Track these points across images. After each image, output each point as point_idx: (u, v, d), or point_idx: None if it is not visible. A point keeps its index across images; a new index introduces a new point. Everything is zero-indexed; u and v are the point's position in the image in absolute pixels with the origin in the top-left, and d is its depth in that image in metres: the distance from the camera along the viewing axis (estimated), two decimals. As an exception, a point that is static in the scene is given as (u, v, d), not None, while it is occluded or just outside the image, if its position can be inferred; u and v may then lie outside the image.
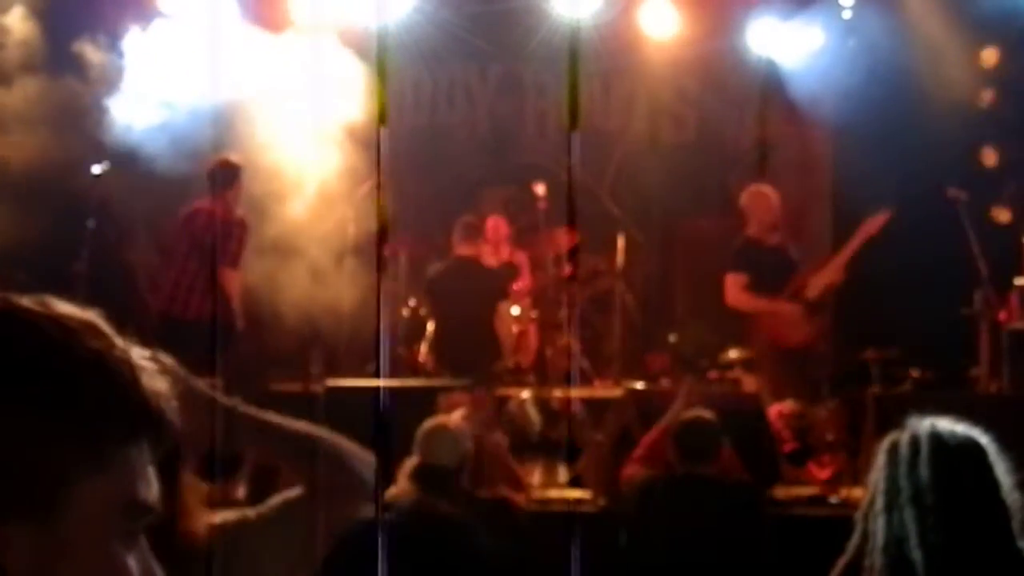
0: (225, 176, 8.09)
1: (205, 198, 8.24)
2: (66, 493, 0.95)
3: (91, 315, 1.00)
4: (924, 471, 2.42)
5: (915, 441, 2.46)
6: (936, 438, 2.47)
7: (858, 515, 2.53)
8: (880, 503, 2.44)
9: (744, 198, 8.96)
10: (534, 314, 9.62)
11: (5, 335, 0.96)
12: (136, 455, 0.99)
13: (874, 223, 8.58)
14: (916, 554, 2.38)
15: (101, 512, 0.96)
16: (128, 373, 0.98)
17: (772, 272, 8.61)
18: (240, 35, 8.73)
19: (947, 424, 2.51)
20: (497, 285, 9.34)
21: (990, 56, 9.76)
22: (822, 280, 8.72)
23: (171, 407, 1.01)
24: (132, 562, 0.98)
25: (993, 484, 2.44)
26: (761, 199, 8.91)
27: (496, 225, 9.97)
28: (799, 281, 8.64)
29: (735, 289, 8.63)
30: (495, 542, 4.75)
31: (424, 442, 4.88)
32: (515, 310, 9.54)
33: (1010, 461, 2.52)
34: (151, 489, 1.00)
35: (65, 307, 0.99)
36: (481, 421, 5.77)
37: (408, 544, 4.29)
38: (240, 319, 8.08)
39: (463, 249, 9.27)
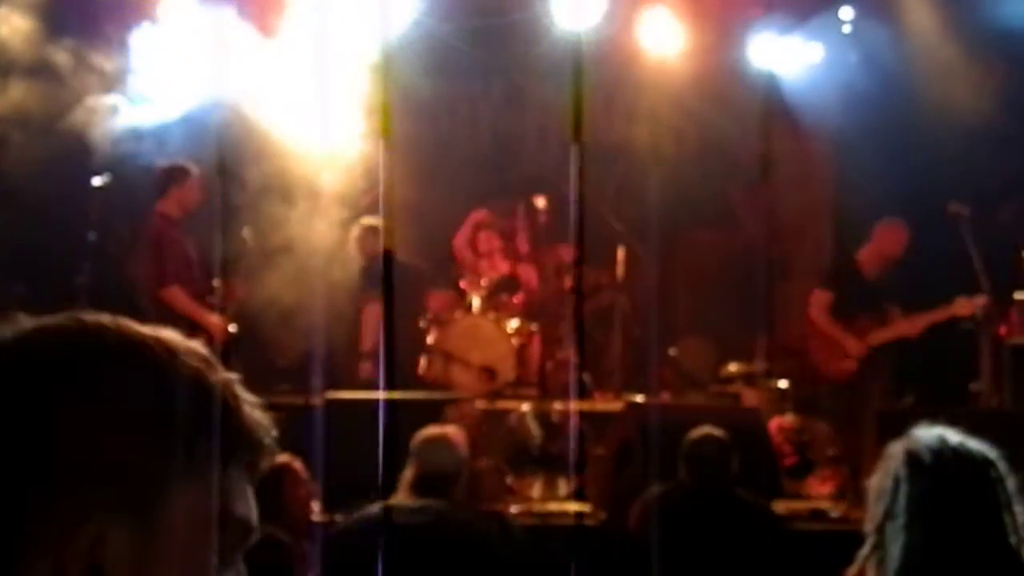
0: (156, 186, 7.98)
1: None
2: (165, 499, 0.99)
3: (196, 343, 1.08)
4: (951, 484, 2.43)
5: (939, 453, 2.45)
6: (959, 452, 2.47)
7: (869, 526, 2.52)
8: (902, 519, 2.42)
9: (878, 230, 8.74)
10: (535, 327, 9.62)
11: (118, 350, 1.03)
12: (235, 475, 1.05)
13: (969, 305, 8.35)
14: (937, 566, 2.39)
15: (198, 522, 1.01)
16: (229, 398, 1.06)
17: (855, 303, 8.50)
18: (239, 43, 8.75)
19: (956, 435, 2.52)
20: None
21: (992, 71, 9.77)
22: (892, 333, 8.52)
23: (269, 436, 1.08)
24: None
25: (1009, 499, 2.47)
26: (893, 235, 8.70)
27: (488, 239, 9.98)
28: (866, 324, 8.46)
29: (819, 306, 8.57)
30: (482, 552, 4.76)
31: (421, 450, 4.90)
32: (515, 323, 9.55)
33: (1017, 478, 2.54)
34: (250, 509, 1.06)
35: (176, 336, 1.07)
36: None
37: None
38: (220, 334, 7.86)
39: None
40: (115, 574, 0.96)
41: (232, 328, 7.95)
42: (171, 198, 7.87)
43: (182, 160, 8.05)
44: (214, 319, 7.79)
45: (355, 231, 9.21)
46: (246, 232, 8.30)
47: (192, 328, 7.67)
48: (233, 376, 1.08)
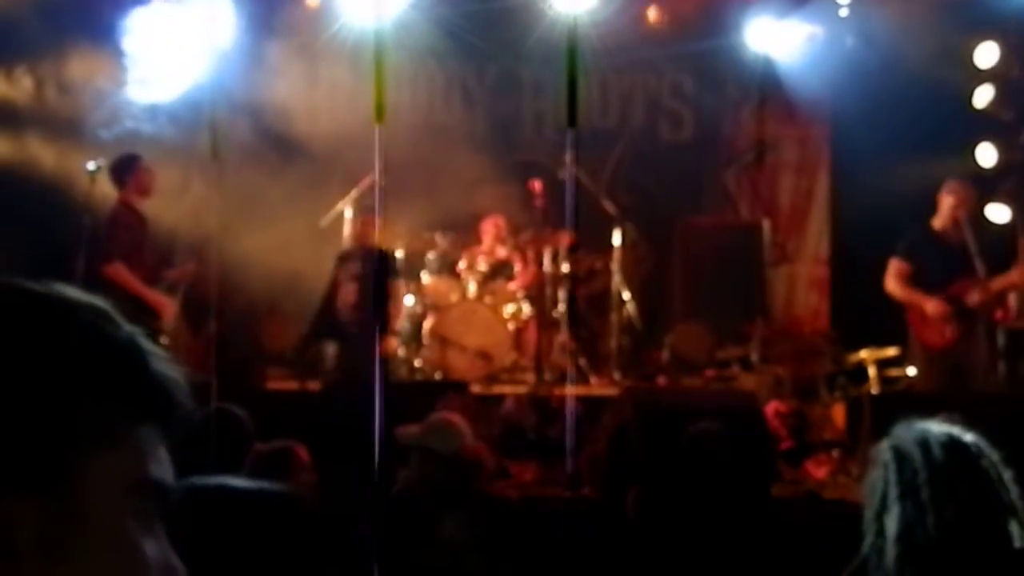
0: (113, 181, 8.06)
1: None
2: (75, 467, 0.93)
3: (99, 300, 1.00)
4: (940, 459, 2.52)
5: (924, 443, 2.54)
6: (944, 440, 2.56)
7: (869, 514, 2.58)
8: (894, 494, 2.50)
9: (944, 188, 8.45)
10: (531, 312, 9.62)
11: (13, 310, 0.95)
12: (147, 436, 0.97)
13: None
14: (933, 532, 2.45)
15: (112, 488, 0.94)
16: (137, 356, 0.98)
17: (939, 268, 8.24)
18: (233, 26, 8.73)
19: (940, 427, 2.58)
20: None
21: (988, 54, 9.75)
22: (1002, 283, 8.25)
23: (184, 393, 1.00)
24: (149, 545, 0.96)
25: (999, 475, 2.52)
26: (958, 191, 8.43)
27: (495, 224, 9.98)
28: (960, 287, 8.21)
29: (892, 276, 8.36)
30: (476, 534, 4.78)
31: (425, 433, 4.95)
32: (511, 308, 9.55)
33: (1007, 458, 2.59)
34: (165, 470, 0.99)
35: (72, 291, 1.00)
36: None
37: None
38: (168, 314, 7.93)
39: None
40: (29, 555, 0.89)
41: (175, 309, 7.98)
42: (129, 185, 8.04)
43: (127, 151, 8.14)
44: (161, 298, 7.87)
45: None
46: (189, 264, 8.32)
47: (139, 307, 7.74)
48: (137, 329, 0.99)
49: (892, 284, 8.39)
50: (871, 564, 2.56)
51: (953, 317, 8.18)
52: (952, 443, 2.54)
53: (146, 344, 1.00)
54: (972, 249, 8.12)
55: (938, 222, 8.39)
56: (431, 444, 4.91)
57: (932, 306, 8.18)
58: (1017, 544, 2.49)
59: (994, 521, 2.50)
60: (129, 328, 0.99)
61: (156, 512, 0.98)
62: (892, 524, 2.51)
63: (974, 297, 8.19)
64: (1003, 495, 2.51)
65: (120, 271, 7.79)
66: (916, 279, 8.31)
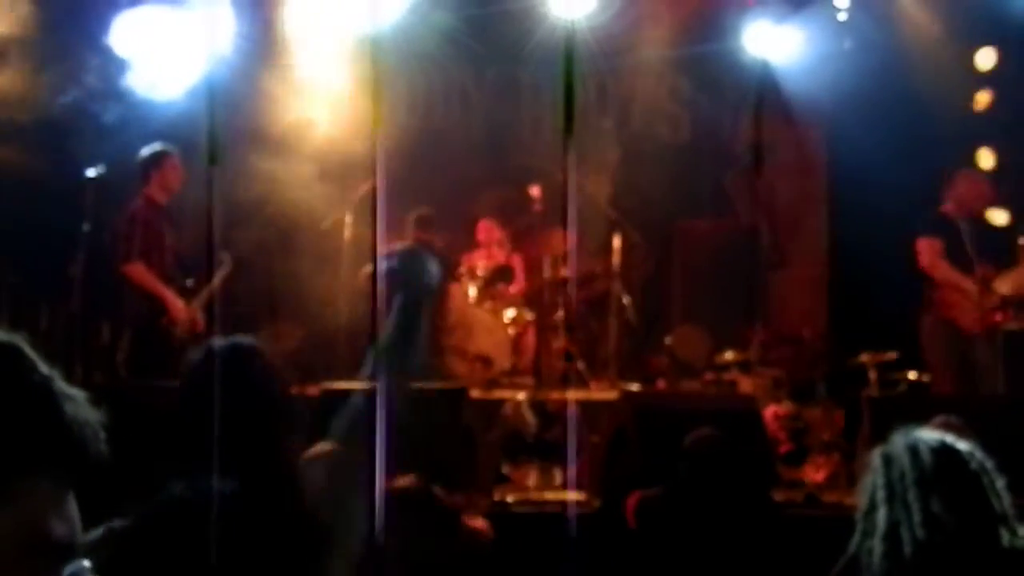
0: (140, 174, 7.99)
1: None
2: None
3: (13, 338, 0.93)
4: (927, 463, 2.58)
5: (914, 448, 2.59)
6: (934, 445, 2.61)
7: (859, 515, 2.64)
8: (881, 495, 2.55)
9: (958, 179, 8.41)
10: (531, 316, 9.62)
11: None
12: (48, 487, 0.90)
13: None
14: (918, 532, 2.49)
15: (5, 549, 0.87)
16: (43, 400, 0.91)
17: (962, 247, 8.05)
18: (231, 29, 8.74)
19: (933, 434, 2.63)
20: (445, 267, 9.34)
21: (987, 57, 9.76)
22: (1016, 278, 8.10)
23: (94, 435, 0.93)
24: None
25: (991, 482, 2.55)
26: (973, 186, 8.40)
27: (488, 227, 9.98)
28: (988, 271, 8.07)
29: (931, 254, 8.12)
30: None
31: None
32: (511, 312, 9.54)
33: (1002, 465, 2.62)
34: (67, 525, 0.92)
35: None
36: None
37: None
38: (184, 321, 7.83)
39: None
40: None
41: (199, 318, 7.89)
42: (153, 182, 7.95)
43: (160, 145, 8.06)
44: (179, 304, 7.79)
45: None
46: (223, 256, 8.23)
47: (155, 309, 7.68)
48: (51, 371, 0.92)
49: (932, 261, 8.14)
50: (861, 563, 2.60)
51: (988, 304, 8.02)
52: (942, 448, 2.60)
53: (60, 388, 0.92)
54: (969, 250, 8.12)
55: (949, 207, 8.26)
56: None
57: (977, 290, 7.98)
58: (1004, 544, 2.52)
59: (980, 522, 2.53)
60: (44, 370, 0.92)
61: (56, 569, 0.91)
62: (879, 523, 2.55)
63: (1003, 287, 8.06)
64: (993, 500, 2.54)
65: (139, 270, 7.73)
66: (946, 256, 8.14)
